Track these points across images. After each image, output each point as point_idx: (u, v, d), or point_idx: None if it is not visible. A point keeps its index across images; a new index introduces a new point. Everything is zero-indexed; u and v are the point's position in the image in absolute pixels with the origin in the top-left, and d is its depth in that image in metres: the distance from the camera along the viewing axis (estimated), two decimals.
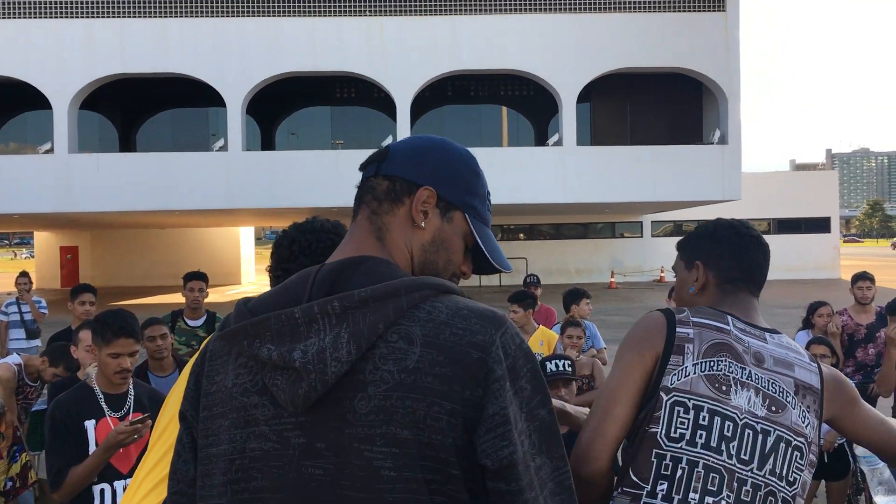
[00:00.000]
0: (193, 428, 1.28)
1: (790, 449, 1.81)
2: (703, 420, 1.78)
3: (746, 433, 1.79)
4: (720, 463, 1.76)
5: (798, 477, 1.82)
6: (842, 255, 36.61)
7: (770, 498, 1.78)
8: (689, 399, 1.80)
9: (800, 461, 1.83)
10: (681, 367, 1.83)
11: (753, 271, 2.03)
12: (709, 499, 1.75)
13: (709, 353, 1.85)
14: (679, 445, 1.77)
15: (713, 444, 1.77)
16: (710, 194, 23.14)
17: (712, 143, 23.32)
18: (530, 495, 1.16)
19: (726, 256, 2.03)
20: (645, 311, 2.80)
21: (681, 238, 2.18)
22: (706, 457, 1.76)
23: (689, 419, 1.78)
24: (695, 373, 1.83)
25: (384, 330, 1.15)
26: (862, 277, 6.83)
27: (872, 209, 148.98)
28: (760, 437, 1.80)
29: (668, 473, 1.77)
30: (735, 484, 1.76)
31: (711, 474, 1.76)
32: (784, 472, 1.80)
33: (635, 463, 1.80)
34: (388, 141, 22.87)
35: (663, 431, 1.79)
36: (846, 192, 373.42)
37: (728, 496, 1.75)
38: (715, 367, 1.83)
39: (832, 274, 34.22)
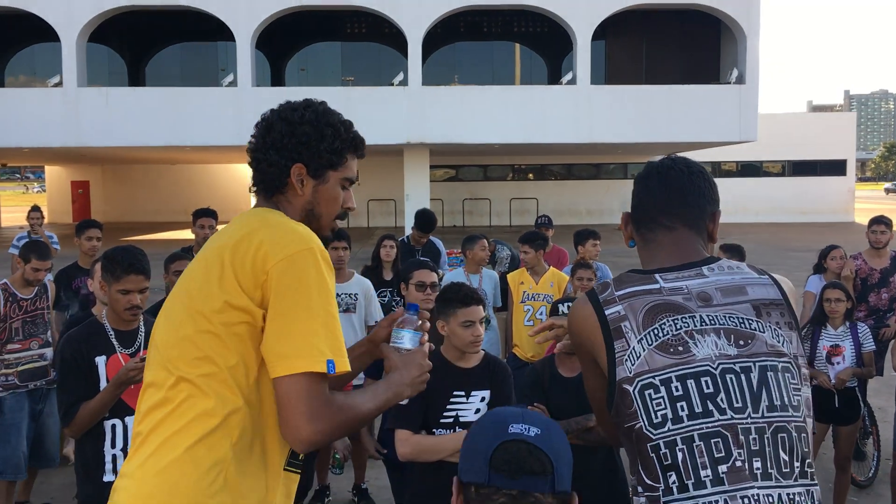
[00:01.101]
0: None
1: (778, 374, 1.67)
2: (677, 390, 1.64)
3: (728, 379, 1.64)
4: (715, 425, 1.61)
5: (799, 398, 1.68)
6: (856, 199, 36.28)
7: (781, 434, 1.62)
8: (654, 377, 1.66)
9: (793, 381, 1.69)
10: (628, 350, 1.69)
11: (667, 203, 1.85)
12: (722, 467, 1.59)
13: (648, 322, 1.70)
14: (666, 428, 1.63)
15: (698, 409, 1.62)
16: (726, 135, 22.84)
17: (729, 83, 22.92)
18: None
19: (636, 198, 1.91)
20: None
21: None
22: (697, 426, 1.62)
23: (662, 397, 1.64)
24: (643, 349, 1.68)
25: None
26: (877, 221, 6.74)
27: (889, 152, 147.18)
28: (743, 376, 1.65)
29: (671, 462, 1.62)
30: (741, 437, 1.60)
31: (712, 440, 1.61)
32: (783, 400, 1.65)
33: (642, 465, 1.67)
34: (399, 78, 22.59)
35: (646, 422, 1.65)
36: (863, 134, 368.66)
37: (740, 454, 1.60)
38: (660, 333, 1.69)
39: (846, 217, 33.99)
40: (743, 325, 1.70)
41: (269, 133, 1.90)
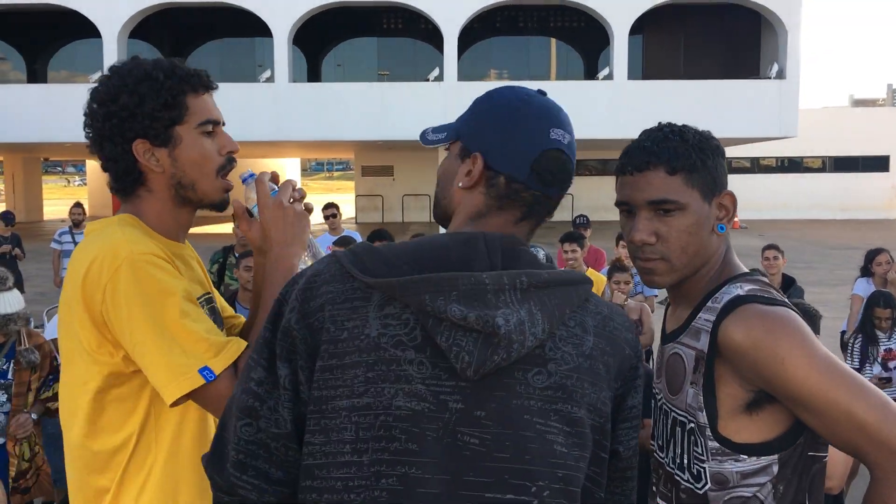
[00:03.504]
0: (302, 373, 1.15)
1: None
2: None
3: None
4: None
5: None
6: None
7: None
8: None
9: None
10: None
11: None
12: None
13: None
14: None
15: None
16: (766, 131, 22.49)
17: (769, 78, 22.56)
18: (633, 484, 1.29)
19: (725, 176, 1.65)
20: None
21: (674, 149, 1.51)
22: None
23: None
24: None
25: (567, 315, 1.18)
26: None
27: None
28: None
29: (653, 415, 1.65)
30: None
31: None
32: None
33: (812, 493, 1.50)
34: (435, 73, 22.59)
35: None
36: None
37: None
38: None
39: (889, 215, 33.29)
40: None
41: (92, 125, 1.59)
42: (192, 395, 1.45)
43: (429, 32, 24.30)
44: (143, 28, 23.51)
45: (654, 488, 1.62)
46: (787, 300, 1.49)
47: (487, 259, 1.16)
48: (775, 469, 1.43)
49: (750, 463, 1.43)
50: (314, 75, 27.62)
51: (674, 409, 1.54)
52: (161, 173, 1.60)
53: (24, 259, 10.62)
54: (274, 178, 1.66)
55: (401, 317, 1.13)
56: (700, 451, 1.47)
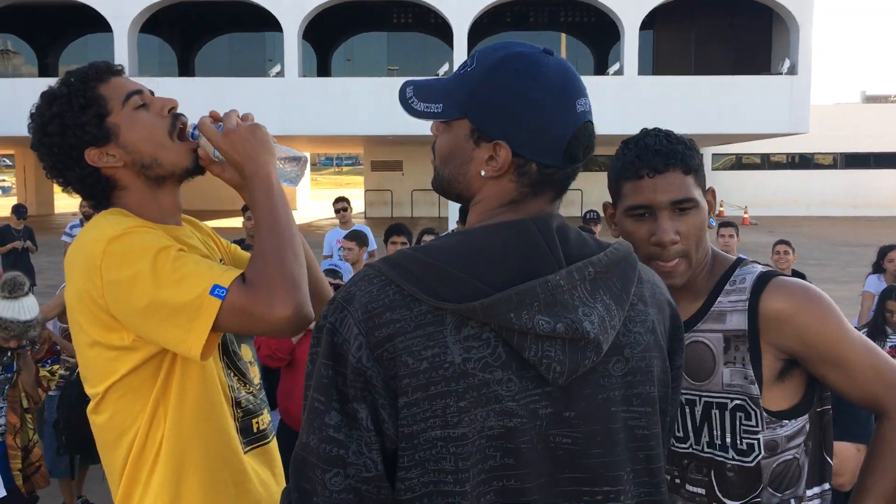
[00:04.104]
0: (382, 410, 1.07)
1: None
2: None
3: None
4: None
5: None
6: None
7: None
8: None
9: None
10: None
11: None
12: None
13: None
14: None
15: None
16: (777, 127, 22.39)
17: (781, 74, 22.44)
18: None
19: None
20: None
21: (679, 153, 1.60)
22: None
23: None
24: None
25: (631, 294, 1.18)
26: None
27: None
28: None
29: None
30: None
31: None
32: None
33: (826, 446, 1.69)
34: (445, 68, 22.56)
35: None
36: None
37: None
38: None
39: None
40: None
41: (47, 165, 1.61)
42: (214, 326, 1.41)
43: (439, 27, 24.27)
44: (154, 22, 23.56)
45: (675, 481, 1.64)
46: None
47: (550, 254, 1.12)
48: (807, 428, 1.59)
49: (791, 426, 1.57)
50: (324, 70, 27.62)
51: (705, 393, 1.60)
52: (122, 166, 1.60)
53: (36, 252, 10.68)
54: (214, 116, 1.64)
55: (481, 336, 1.07)
56: (753, 424, 1.56)
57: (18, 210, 10.51)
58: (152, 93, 1.67)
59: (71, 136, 1.55)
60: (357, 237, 6.35)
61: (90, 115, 1.56)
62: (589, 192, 31.23)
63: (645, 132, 1.65)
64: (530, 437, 1.09)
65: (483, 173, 1.16)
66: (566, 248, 1.14)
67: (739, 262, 1.67)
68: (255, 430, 1.70)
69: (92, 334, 1.51)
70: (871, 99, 45.10)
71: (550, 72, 1.14)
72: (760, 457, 1.56)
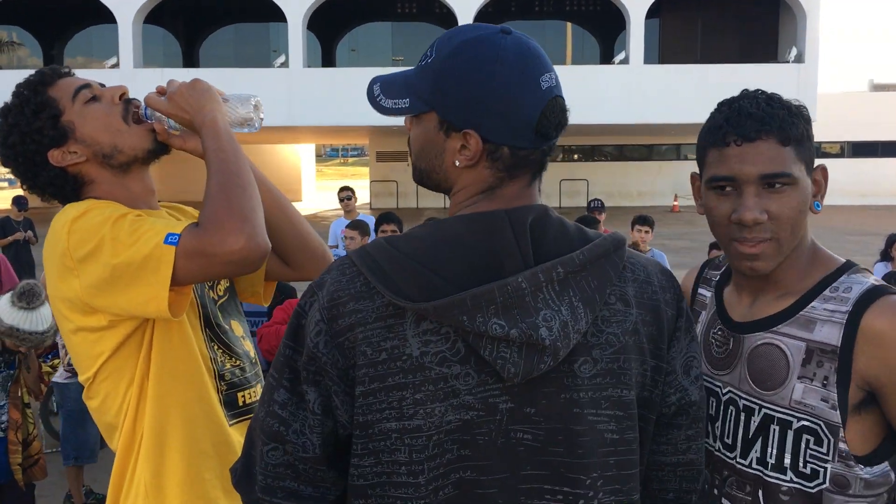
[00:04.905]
0: (336, 397, 1.10)
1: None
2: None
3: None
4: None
5: None
6: None
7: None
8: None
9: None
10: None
11: None
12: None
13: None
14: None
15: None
16: None
17: (788, 62, 22.33)
18: (697, 440, 1.25)
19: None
20: (708, 236, 2.40)
21: (783, 120, 1.36)
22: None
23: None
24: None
25: (608, 293, 1.12)
26: None
27: None
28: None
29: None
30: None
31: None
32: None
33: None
34: None
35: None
36: None
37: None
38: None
39: None
40: None
41: (17, 174, 1.67)
42: (174, 276, 1.43)
43: (443, 17, 24.19)
44: (158, 13, 23.54)
45: (714, 491, 1.47)
46: None
47: (518, 251, 1.08)
48: (892, 477, 1.33)
49: (876, 471, 1.32)
50: (328, 60, 27.58)
51: (767, 405, 1.39)
52: (85, 161, 1.64)
53: (37, 244, 10.68)
54: (160, 90, 1.66)
55: (440, 331, 1.08)
56: (824, 451, 1.33)
57: (19, 201, 10.38)
58: (103, 85, 1.70)
59: (30, 143, 1.61)
60: (359, 226, 6.37)
61: (44, 119, 1.61)
62: (595, 181, 31.22)
63: (744, 93, 1.41)
64: (488, 429, 1.09)
65: (457, 163, 1.14)
66: (540, 245, 1.11)
67: (848, 267, 1.40)
68: (241, 404, 1.71)
69: (74, 320, 1.55)
70: (878, 87, 44.87)
71: (509, 53, 1.11)
72: (825, 487, 1.33)
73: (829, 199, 34.82)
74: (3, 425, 4.03)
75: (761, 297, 1.44)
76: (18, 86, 1.65)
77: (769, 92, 1.41)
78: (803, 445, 1.34)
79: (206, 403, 1.64)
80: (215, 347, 1.70)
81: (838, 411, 1.31)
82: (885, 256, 6.65)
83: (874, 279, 1.36)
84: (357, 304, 1.09)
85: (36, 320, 3.87)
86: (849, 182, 33.01)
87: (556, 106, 1.13)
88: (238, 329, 1.80)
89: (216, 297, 1.77)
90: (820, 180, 1.40)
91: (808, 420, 1.33)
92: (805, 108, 1.40)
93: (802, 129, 1.35)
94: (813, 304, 1.37)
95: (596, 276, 1.11)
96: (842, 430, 1.31)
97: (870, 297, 1.31)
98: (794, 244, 1.38)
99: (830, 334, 1.32)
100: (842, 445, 1.32)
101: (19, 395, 4.11)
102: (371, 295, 1.09)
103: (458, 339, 1.08)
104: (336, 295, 1.10)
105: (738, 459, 1.43)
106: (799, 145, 1.34)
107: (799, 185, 1.34)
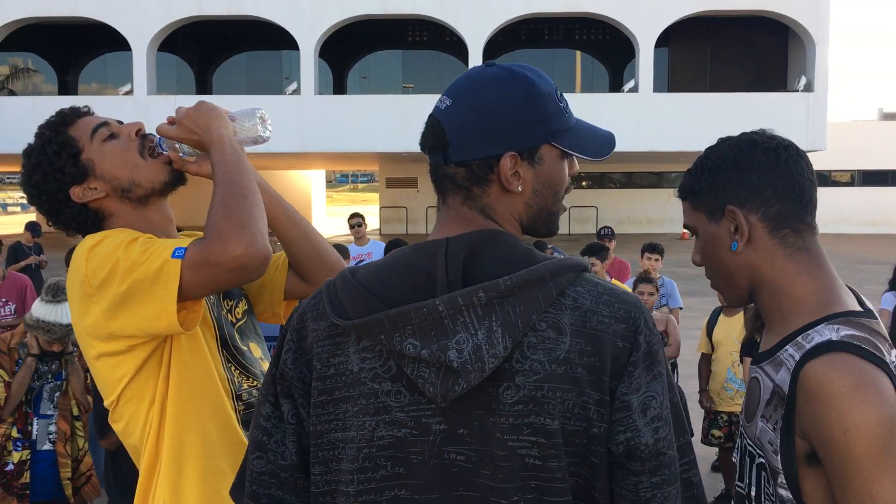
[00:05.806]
0: (302, 409, 1.20)
1: None
2: None
3: None
4: None
5: None
6: None
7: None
8: None
9: None
10: None
11: (811, 199, 1.42)
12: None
13: None
14: None
15: None
16: None
17: (797, 91, 22.38)
18: (664, 487, 1.14)
19: (767, 186, 1.38)
20: None
21: (685, 177, 1.50)
22: None
23: None
24: None
25: (537, 319, 1.12)
26: None
27: None
28: None
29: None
30: None
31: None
32: None
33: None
34: None
35: None
36: None
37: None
38: None
39: None
40: None
41: (44, 212, 1.73)
42: (182, 289, 1.47)
43: (454, 45, 24.39)
44: (172, 41, 23.83)
45: None
46: (889, 358, 1.30)
47: (444, 276, 1.14)
48: None
49: None
50: (340, 88, 27.80)
51: (746, 436, 1.43)
52: (105, 196, 1.70)
53: (47, 267, 10.74)
54: (170, 119, 1.73)
55: (375, 349, 1.15)
56: (771, 492, 1.34)
57: (33, 227, 10.56)
58: (120, 122, 1.77)
59: (53, 181, 1.68)
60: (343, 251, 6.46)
61: (65, 158, 1.67)
62: (604, 209, 31.22)
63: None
64: (421, 449, 1.13)
65: None
66: (471, 270, 1.14)
67: (838, 316, 1.34)
68: None
69: (96, 346, 1.61)
70: (888, 116, 44.86)
71: (525, 85, 1.22)
72: None
73: (839, 228, 34.68)
74: (51, 436, 4.04)
75: (765, 334, 1.48)
76: (40, 127, 1.72)
77: (747, 135, 1.44)
78: (763, 481, 1.38)
79: (223, 423, 1.68)
80: (232, 368, 1.73)
81: (779, 457, 1.31)
82: (893, 286, 6.60)
83: (847, 333, 1.30)
84: (315, 324, 1.20)
85: (61, 313, 3.93)
86: (859, 211, 32.89)
87: (427, 123, 1.24)
88: (256, 351, 1.83)
89: (234, 321, 1.80)
90: (732, 220, 1.41)
91: (761, 456, 1.38)
92: (743, 150, 1.41)
93: (693, 182, 1.46)
94: (787, 346, 1.36)
95: (523, 301, 1.11)
96: (781, 476, 1.31)
97: (818, 349, 1.29)
98: (728, 283, 1.46)
99: (784, 380, 1.33)
100: (781, 492, 1.31)
101: (68, 406, 4.12)
102: (325, 315, 1.19)
103: (389, 357, 1.14)
104: (303, 316, 1.23)
105: (742, 488, 1.48)
106: (694, 197, 1.46)
107: (700, 234, 1.47)
